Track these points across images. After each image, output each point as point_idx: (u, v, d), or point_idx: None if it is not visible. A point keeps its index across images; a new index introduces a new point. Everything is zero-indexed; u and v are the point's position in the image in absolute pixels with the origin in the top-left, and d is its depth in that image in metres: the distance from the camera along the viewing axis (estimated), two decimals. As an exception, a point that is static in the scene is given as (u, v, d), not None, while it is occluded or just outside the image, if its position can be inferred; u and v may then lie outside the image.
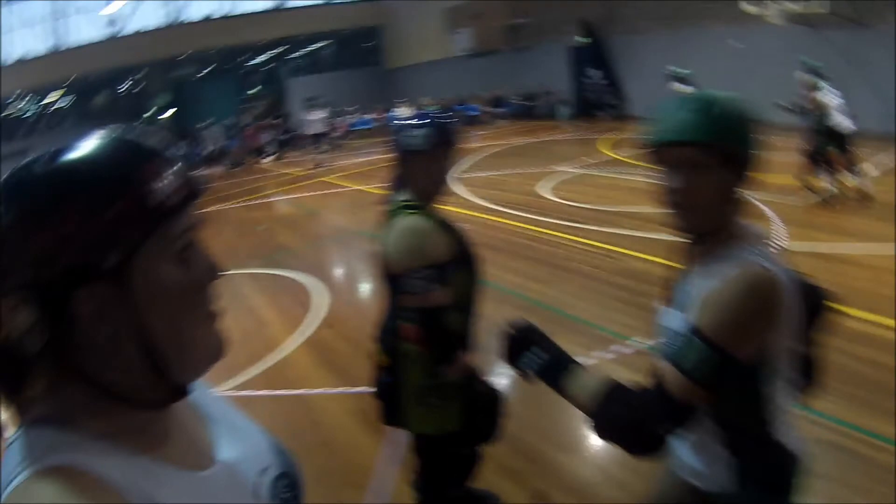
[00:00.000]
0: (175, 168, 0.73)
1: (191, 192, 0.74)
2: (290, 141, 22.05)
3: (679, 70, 11.92)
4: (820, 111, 7.73)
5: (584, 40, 19.08)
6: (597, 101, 19.22)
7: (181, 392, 0.75)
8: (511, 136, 18.20)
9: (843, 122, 7.70)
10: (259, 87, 27.51)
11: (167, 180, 0.71)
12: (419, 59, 25.95)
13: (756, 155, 1.38)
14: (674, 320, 1.47)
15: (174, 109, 25.53)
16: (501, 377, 3.57)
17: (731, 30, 14.64)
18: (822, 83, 7.81)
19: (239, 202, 12.74)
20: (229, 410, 0.90)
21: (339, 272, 7.74)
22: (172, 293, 0.71)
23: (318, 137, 16.09)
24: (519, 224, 8.58)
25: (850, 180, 7.93)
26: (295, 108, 23.76)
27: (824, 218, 7.62)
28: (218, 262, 0.77)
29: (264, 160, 18.84)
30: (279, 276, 7.41)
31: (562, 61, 20.17)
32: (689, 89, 10.37)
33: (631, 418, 1.32)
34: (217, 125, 21.35)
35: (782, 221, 7.51)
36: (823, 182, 7.98)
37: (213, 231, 10.03)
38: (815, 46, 13.13)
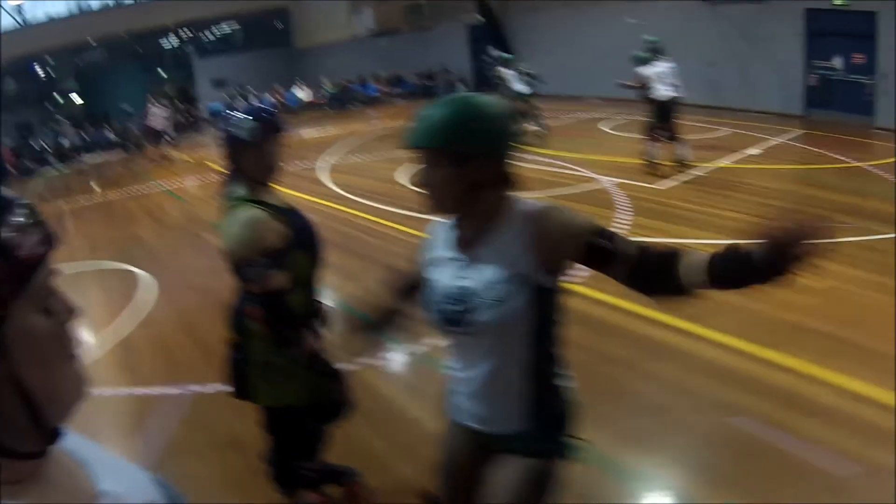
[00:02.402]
0: (35, 219, 0.73)
1: (50, 241, 0.74)
2: (190, 125, 21.37)
3: (504, 55, 12.33)
4: (643, 84, 8.46)
5: (483, 19, 19.20)
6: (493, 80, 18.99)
7: (56, 436, 0.76)
8: (406, 116, 17.62)
9: (661, 90, 8.30)
10: (167, 71, 26.56)
11: (30, 233, 0.72)
12: (325, 40, 25.58)
13: (499, 148, 1.59)
14: (488, 276, 1.62)
15: (82, 96, 24.84)
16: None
17: (629, 6, 14.65)
18: (649, 56, 8.49)
19: (122, 190, 12.52)
20: (100, 451, 0.88)
21: (177, 267, 7.36)
22: (43, 342, 0.73)
23: (158, 133, 15.88)
24: (360, 214, 8.46)
25: (677, 150, 8.67)
26: (203, 90, 23.89)
27: (671, 205, 7.66)
28: (74, 303, 0.78)
29: (162, 145, 18.19)
30: (123, 270, 7.20)
31: (461, 41, 20.15)
32: (510, 73, 11.39)
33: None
34: (124, 110, 20.53)
35: (630, 205, 7.51)
36: (657, 151, 8.71)
37: (83, 223, 9.74)
38: (713, 22, 13.05)
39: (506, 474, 1.72)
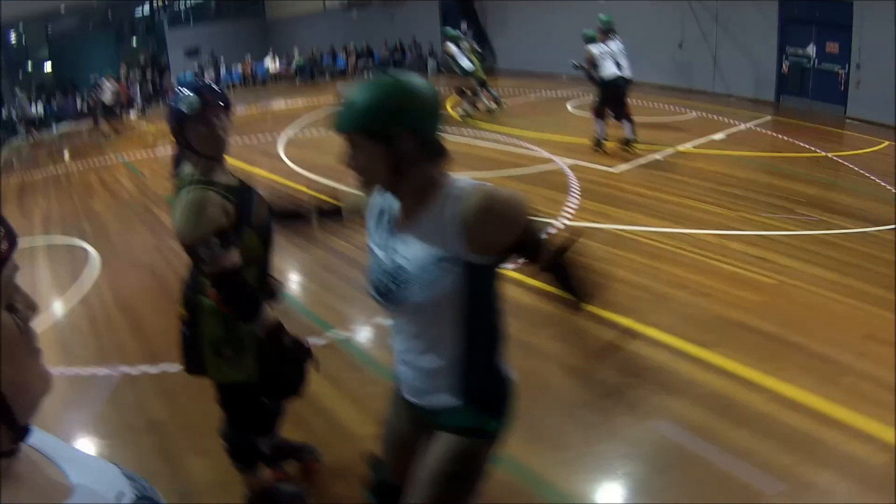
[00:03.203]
0: None
1: (13, 238, 0.75)
2: (158, 95, 20.93)
3: (451, 30, 12.20)
4: (591, 64, 8.51)
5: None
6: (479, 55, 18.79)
7: (25, 433, 0.76)
8: None
9: (608, 69, 8.34)
10: (139, 40, 26.08)
11: None
12: (298, 11, 25.08)
13: (422, 125, 1.58)
14: (417, 255, 1.64)
15: (53, 65, 24.10)
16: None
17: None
18: (598, 35, 8.56)
19: (84, 161, 12.15)
20: (67, 447, 0.88)
21: (124, 244, 7.00)
22: (10, 339, 0.73)
23: (109, 108, 15.65)
24: (307, 191, 7.76)
25: (624, 130, 8.66)
26: (175, 59, 23.48)
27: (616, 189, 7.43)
28: (34, 298, 0.77)
29: (130, 115, 17.81)
30: (72, 246, 6.92)
31: (433, 14, 20.06)
32: (457, 49, 11.51)
33: None
34: (94, 79, 20.31)
35: (581, 188, 7.25)
36: (604, 130, 8.77)
37: (40, 196, 9.57)
38: (685, 4, 12.83)
39: (433, 450, 1.76)
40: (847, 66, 10.66)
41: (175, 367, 4.11)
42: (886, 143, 8.97)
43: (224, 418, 2.60)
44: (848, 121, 10.51)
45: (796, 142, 9.05)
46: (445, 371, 1.71)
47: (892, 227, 5.79)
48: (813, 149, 8.66)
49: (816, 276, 4.90)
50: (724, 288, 4.78)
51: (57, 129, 17.72)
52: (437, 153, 1.65)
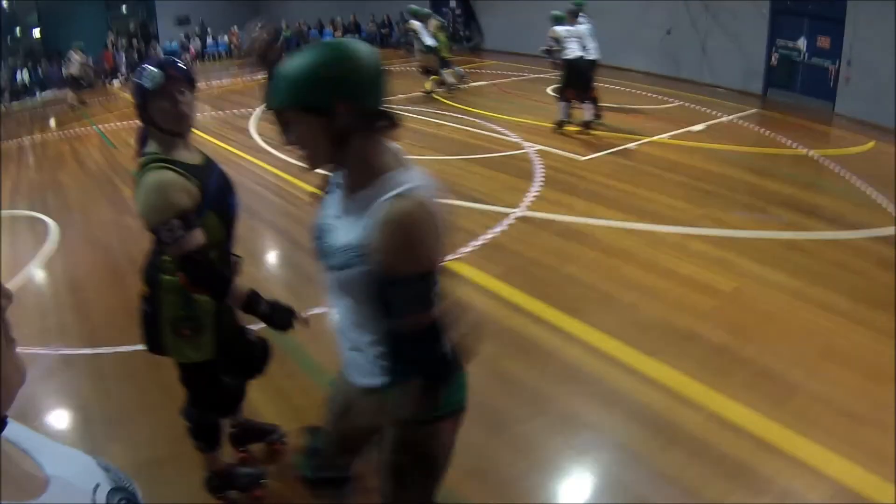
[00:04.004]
0: None
1: None
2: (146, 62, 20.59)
3: (414, 7, 12.04)
4: (558, 44, 8.52)
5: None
6: (452, 33, 18.78)
7: (2, 425, 0.74)
8: None
9: (572, 50, 8.36)
10: (130, 8, 25.69)
11: None
12: None
13: (358, 94, 1.51)
14: (343, 237, 1.61)
15: (42, 31, 23.69)
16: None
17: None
18: (566, 16, 8.60)
19: (60, 131, 12.03)
20: (42, 438, 0.88)
21: (84, 220, 6.80)
22: None
23: (75, 79, 15.44)
24: (271, 169, 7.97)
25: (587, 113, 8.70)
26: (165, 28, 23.36)
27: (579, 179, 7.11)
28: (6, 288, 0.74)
29: (114, 83, 17.55)
30: (34, 219, 6.74)
31: None
32: (420, 25, 11.50)
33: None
34: (82, 46, 20.20)
35: (545, 176, 6.91)
36: (567, 112, 8.84)
37: (14, 165, 9.46)
38: None
39: (385, 441, 1.77)
40: (838, 61, 10.36)
41: (110, 350, 4.01)
42: (872, 143, 8.67)
43: (185, 397, 2.59)
44: (836, 118, 10.20)
45: (779, 137, 8.72)
46: (371, 351, 1.69)
47: (868, 232, 5.50)
48: (795, 146, 8.34)
49: (779, 282, 4.60)
50: (677, 291, 4.47)
51: (40, 97, 17.50)
52: (381, 123, 1.58)
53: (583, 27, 8.48)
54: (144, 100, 2.24)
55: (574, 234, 5.45)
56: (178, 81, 2.24)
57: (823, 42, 10.66)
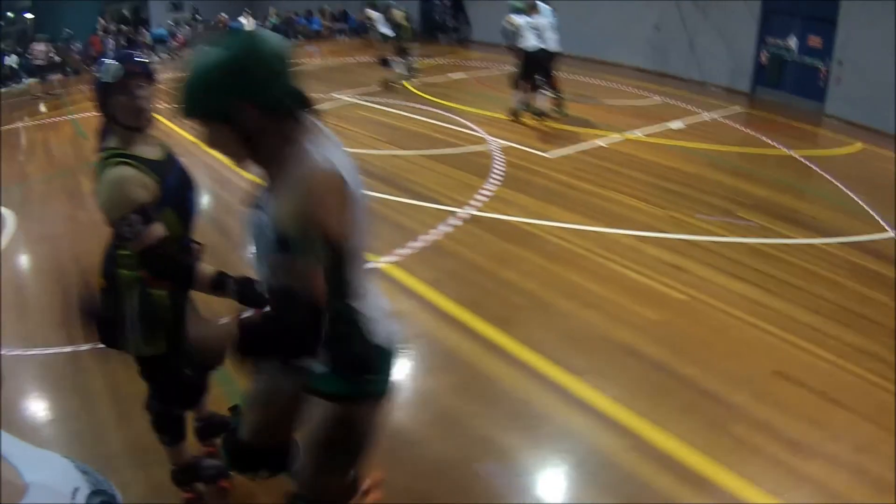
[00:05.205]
0: None
1: None
2: (132, 48, 20.40)
3: None
4: (515, 32, 8.51)
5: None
6: (441, 24, 18.88)
7: None
8: (342, 53, 17.04)
9: (529, 41, 8.33)
10: None
11: None
12: None
13: (260, 93, 1.49)
14: (263, 223, 1.59)
15: (36, 15, 23.56)
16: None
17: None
18: (525, 6, 8.56)
19: (39, 118, 11.76)
20: (20, 443, 0.88)
21: (41, 214, 6.49)
22: None
23: (43, 69, 15.38)
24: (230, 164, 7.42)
25: (542, 102, 8.80)
26: (156, 13, 23.15)
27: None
28: None
29: (46, 82, 17.37)
30: None
31: None
32: (378, 15, 11.61)
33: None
34: (66, 32, 20.27)
35: (503, 173, 6.58)
36: (523, 102, 8.82)
37: None
38: None
39: (313, 417, 1.79)
40: (829, 61, 10.07)
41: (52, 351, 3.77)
42: (860, 145, 8.34)
43: (147, 391, 2.60)
44: (825, 119, 9.88)
45: (762, 137, 8.39)
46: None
47: (844, 239, 5.17)
48: (776, 145, 8.00)
49: (736, 293, 4.26)
50: (621, 301, 4.13)
51: (26, 83, 17.01)
52: (292, 112, 1.56)
53: (543, 20, 8.42)
54: (103, 94, 2.25)
55: (521, 236, 5.11)
56: (137, 76, 2.24)
57: (815, 41, 10.41)
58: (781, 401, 3.24)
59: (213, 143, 1.57)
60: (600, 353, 3.61)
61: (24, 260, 5.35)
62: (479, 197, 5.87)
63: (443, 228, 5.20)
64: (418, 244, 4.94)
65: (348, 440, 1.78)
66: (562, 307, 4.06)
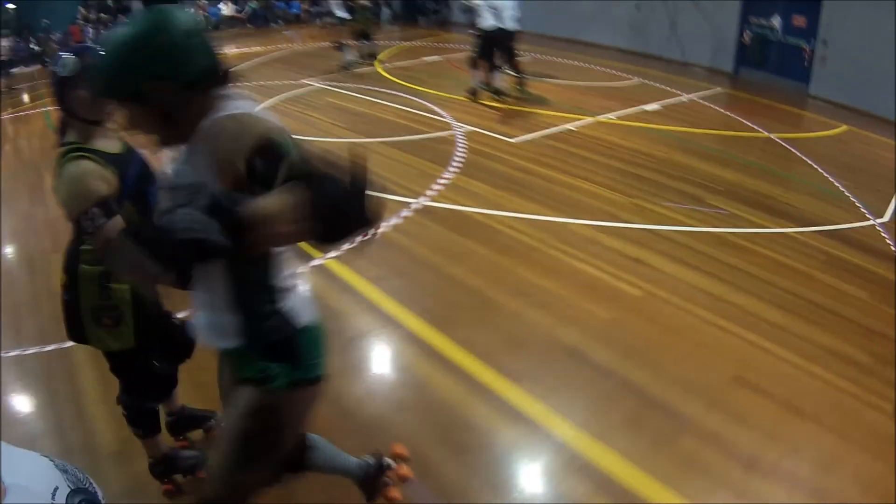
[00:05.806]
0: None
1: None
2: None
3: None
4: (470, 12, 8.69)
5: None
6: (420, 6, 18.72)
7: None
8: (319, 37, 16.25)
9: (487, 21, 8.32)
10: None
11: None
12: None
13: (173, 71, 1.46)
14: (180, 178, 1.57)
15: (14, 5, 23.74)
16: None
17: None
18: None
19: (13, 110, 11.30)
20: None
21: (3, 211, 6.13)
22: None
23: (4, 64, 15.33)
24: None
25: (499, 81, 8.76)
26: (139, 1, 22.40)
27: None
28: None
29: (9, 77, 17.17)
30: None
31: None
32: (336, 4, 11.82)
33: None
34: (45, 22, 20.29)
35: (464, 161, 6.29)
36: (479, 81, 8.83)
37: None
38: None
39: (233, 399, 1.75)
40: (813, 41, 9.79)
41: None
42: (845, 127, 8.06)
43: (119, 385, 2.60)
44: (810, 100, 9.60)
45: (742, 119, 8.09)
46: (219, 311, 1.65)
47: (821, 227, 4.89)
48: (756, 128, 7.70)
49: (698, 287, 3.98)
50: (572, 298, 3.83)
51: (12, 72, 16.78)
52: (210, 87, 1.54)
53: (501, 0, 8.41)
54: (61, 88, 2.24)
55: (474, 228, 4.80)
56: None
57: (799, 21, 10.13)
58: (738, 410, 2.96)
59: (132, 124, 1.56)
60: (542, 356, 3.32)
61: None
62: (435, 186, 5.55)
63: (393, 221, 4.88)
64: (363, 238, 4.62)
65: (269, 429, 1.72)
66: (507, 306, 3.76)
